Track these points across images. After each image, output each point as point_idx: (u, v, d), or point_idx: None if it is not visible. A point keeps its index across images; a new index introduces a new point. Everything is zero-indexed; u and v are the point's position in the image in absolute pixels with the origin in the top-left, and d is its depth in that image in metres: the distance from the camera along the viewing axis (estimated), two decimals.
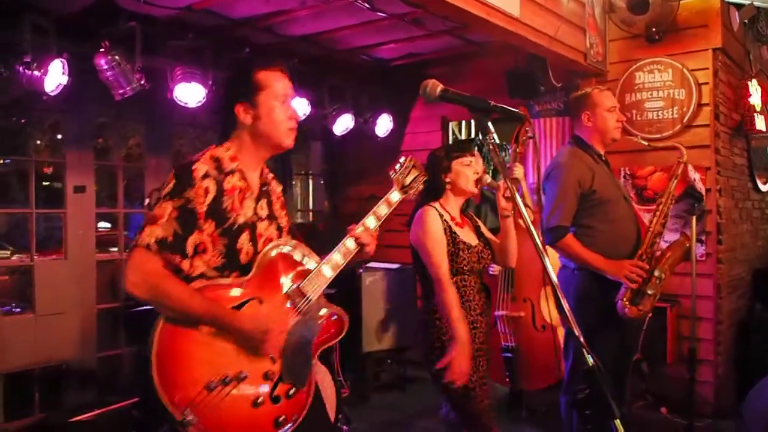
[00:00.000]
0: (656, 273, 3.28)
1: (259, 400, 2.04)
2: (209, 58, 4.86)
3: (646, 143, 3.79)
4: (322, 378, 4.32)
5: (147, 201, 5.45)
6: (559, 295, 1.83)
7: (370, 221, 2.34)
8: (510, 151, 4.03)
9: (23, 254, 4.98)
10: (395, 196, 2.43)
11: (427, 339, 3.02)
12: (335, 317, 2.31)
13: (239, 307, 2.06)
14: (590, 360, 1.77)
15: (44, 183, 5.23)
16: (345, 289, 5.51)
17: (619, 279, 3.30)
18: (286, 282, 2.19)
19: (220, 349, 2.00)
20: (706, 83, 5.14)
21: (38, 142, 5.01)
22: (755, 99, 5.62)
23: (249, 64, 2.29)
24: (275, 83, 2.22)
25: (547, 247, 4.50)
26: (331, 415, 4.33)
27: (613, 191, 3.50)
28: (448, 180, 3.10)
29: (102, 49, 4.27)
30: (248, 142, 2.22)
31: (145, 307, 4.33)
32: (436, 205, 3.08)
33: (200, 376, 1.94)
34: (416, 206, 3.13)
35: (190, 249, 2.03)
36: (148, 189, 5.55)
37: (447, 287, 2.90)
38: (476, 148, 3.52)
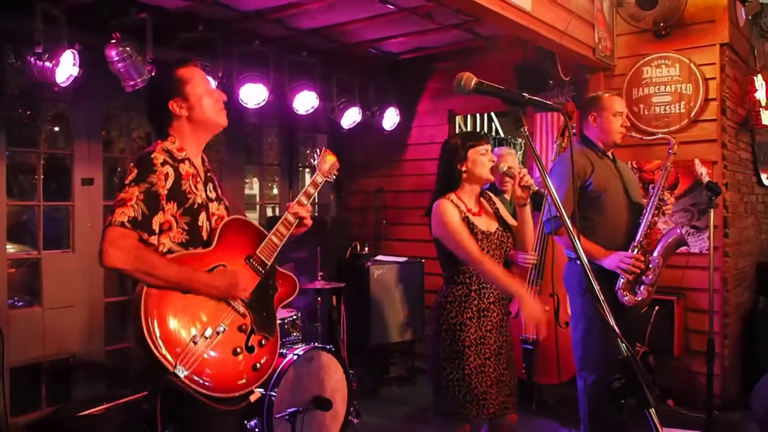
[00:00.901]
0: (651, 262, 3.44)
1: (238, 350, 2.34)
2: (219, 50, 4.84)
3: (639, 136, 3.93)
4: (334, 371, 4.33)
5: None
6: (592, 279, 1.85)
7: (303, 198, 2.68)
8: (554, 145, 4.07)
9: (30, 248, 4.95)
10: (319, 178, 2.79)
11: (436, 320, 3.07)
12: (288, 279, 2.65)
13: (210, 271, 2.36)
14: (624, 349, 1.77)
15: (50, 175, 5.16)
16: (353, 282, 5.55)
17: (614, 269, 3.44)
18: (244, 250, 2.49)
19: (199, 307, 2.28)
20: (713, 78, 5.17)
21: (42, 134, 4.96)
22: (760, 94, 5.67)
23: (168, 67, 2.54)
24: (195, 75, 2.48)
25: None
26: (343, 409, 4.34)
27: (612, 184, 3.61)
28: (464, 169, 3.11)
29: (113, 41, 4.25)
30: (188, 131, 2.47)
31: None
32: (452, 196, 3.10)
33: (187, 332, 2.22)
34: (432, 198, 3.14)
35: (156, 227, 2.26)
36: None
37: (481, 260, 2.94)
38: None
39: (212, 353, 2.26)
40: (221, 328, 2.30)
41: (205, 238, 2.41)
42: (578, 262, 3.45)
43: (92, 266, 5.04)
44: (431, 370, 3.09)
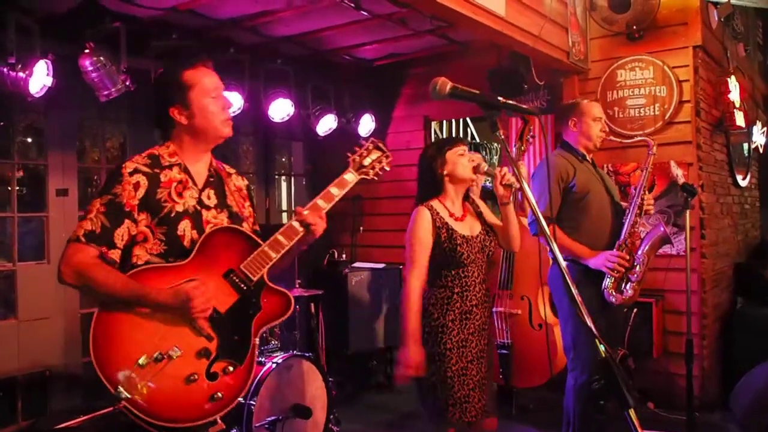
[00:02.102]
0: (636, 259, 3.54)
1: (193, 377, 2.12)
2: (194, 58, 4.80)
3: (619, 140, 4.10)
4: (313, 379, 4.30)
5: None
6: (569, 282, 1.84)
7: (320, 202, 2.36)
8: (513, 149, 4.11)
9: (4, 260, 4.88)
10: (349, 176, 2.45)
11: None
12: (279, 297, 2.32)
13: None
14: (603, 351, 1.77)
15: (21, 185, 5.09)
16: (331, 289, 5.53)
17: (601, 268, 3.53)
18: (228, 263, 2.24)
19: (153, 328, 2.10)
20: (687, 80, 5.21)
21: (16, 145, 4.90)
22: (734, 95, 5.73)
23: (174, 68, 2.34)
24: (203, 79, 2.30)
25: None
26: (323, 416, 4.32)
27: (594, 186, 3.71)
28: (445, 172, 3.13)
29: (86, 50, 4.22)
30: (187, 140, 2.32)
31: None
32: (434, 203, 3.12)
33: (133, 354, 2.05)
34: (415, 204, 3.15)
35: (118, 240, 2.15)
36: None
37: (410, 283, 3.00)
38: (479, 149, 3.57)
39: (160, 379, 2.06)
40: (174, 353, 2.08)
41: (187, 247, 2.23)
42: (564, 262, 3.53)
43: None
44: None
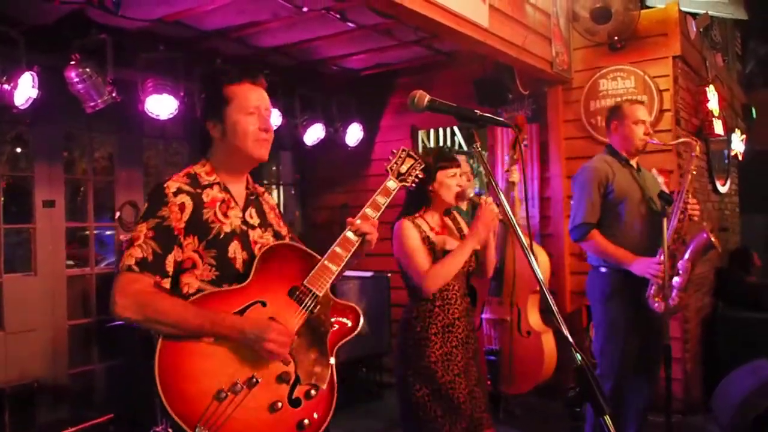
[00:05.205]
0: (680, 266, 3.52)
1: (278, 405, 1.95)
2: (181, 69, 4.85)
3: (663, 143, 4.22)
4: None
5: (117, 214, 5.40)
6: (547, 295, 1.88)
7: (369, 211, 2.27)
8: (506, 157, 4.14)
9: None
10: (392, 184, 2.38)
11: (402, 336, 3.08)
12: (347, 311, 2.21)
13: (242, 312, 1.99)
14: (579, 358, 1.79)
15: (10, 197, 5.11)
16: None
17: (644, 275, 3.50)
18: (289, 281, 2.10)
19: (226, 357, 1.93)
20: (667, 90, 5.30)
21: (2, 156, 4.92)
22: (713, 104, 5.83)
23: (219, 79, 2.23)
24: (243, 95, 2.17)
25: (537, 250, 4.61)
26: None
27: (631, 192, 3.71)
28: (431, 189, 3.12)
29: (72, 62, 4.25)
30: (223, 157, 2.20)
31: (118, 322, 4.30)
32: (415, 218, 3.11)
33: (208, 387, 1.87)
34: (398, 216, 3.15)
35: (169, 268, 2.01)
36: (118, 202, 5.51)
37: (426, 274, 2.97)
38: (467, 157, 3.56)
39: (243, 411, 1.89)
40: (254, 380, 1.92)
41: (240, 270, 2.08)
42: (602, 269, 3.64)
43: (55, 289, 5.00)
44: (400, 386, 3.06)
